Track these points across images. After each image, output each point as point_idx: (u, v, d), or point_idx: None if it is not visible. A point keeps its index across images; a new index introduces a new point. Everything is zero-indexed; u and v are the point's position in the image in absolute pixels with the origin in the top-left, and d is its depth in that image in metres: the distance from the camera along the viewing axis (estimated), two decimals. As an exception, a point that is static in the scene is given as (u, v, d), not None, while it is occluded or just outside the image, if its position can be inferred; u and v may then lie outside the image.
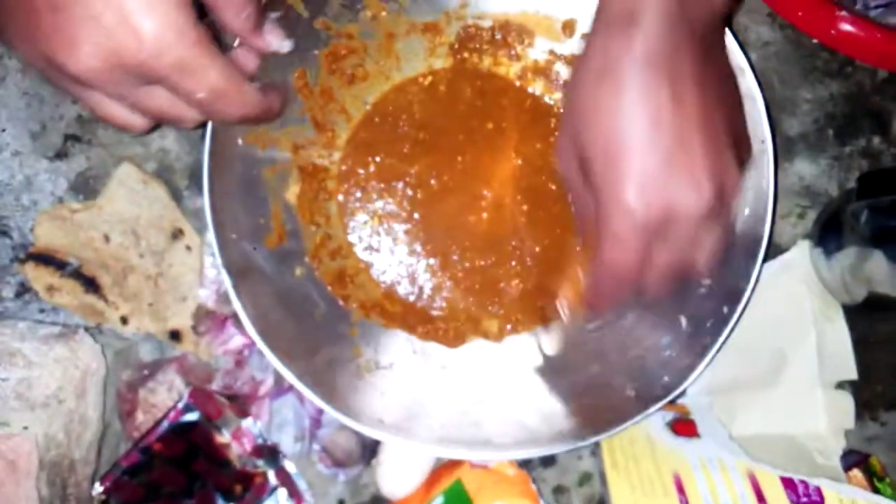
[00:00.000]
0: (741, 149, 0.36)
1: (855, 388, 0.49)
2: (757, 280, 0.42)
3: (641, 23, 0.32)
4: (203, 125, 0.37)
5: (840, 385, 0.49)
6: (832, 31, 0.42)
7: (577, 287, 0.45)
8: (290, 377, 0.41)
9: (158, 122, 0.36)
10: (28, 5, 0.30)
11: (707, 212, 0.33)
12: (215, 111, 0.34)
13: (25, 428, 0.36)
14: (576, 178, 0.36)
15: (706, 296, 0.43)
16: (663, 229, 0.34)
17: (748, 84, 0.41)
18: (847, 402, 0.48)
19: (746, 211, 0.42)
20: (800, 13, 0.43)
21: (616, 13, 0.33)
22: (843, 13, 0.42)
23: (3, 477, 0.34)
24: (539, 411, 0.44)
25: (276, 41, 0.38)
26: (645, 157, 0.32)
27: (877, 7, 0.47)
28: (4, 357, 0.38)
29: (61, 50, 0.30)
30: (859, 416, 0.49)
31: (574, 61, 0.33)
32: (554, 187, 0.48)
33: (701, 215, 0.33)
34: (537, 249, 0.47)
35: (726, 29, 0.38)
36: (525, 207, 0.47)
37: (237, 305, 0.40)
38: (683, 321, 0.43)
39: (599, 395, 0.43)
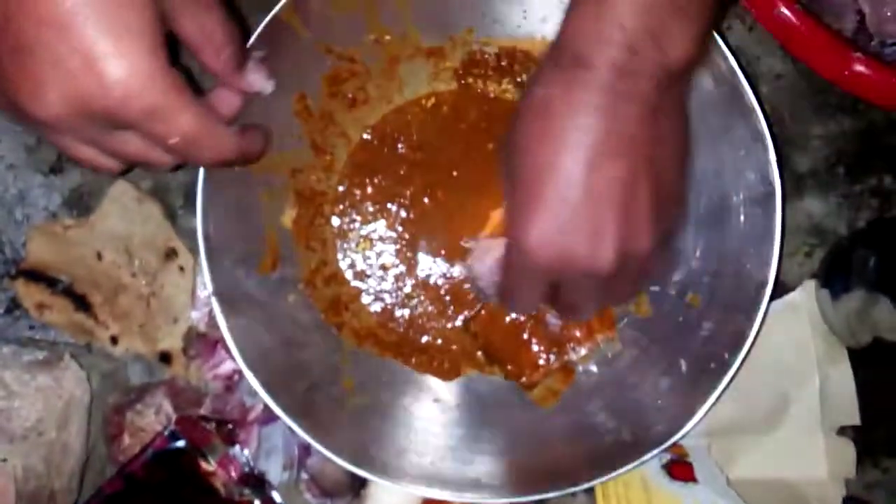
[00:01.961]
0: (669, 213, 0.35)
1: (857, 433, 0.48)
2: (761, 325, 0.41)
3: (587, 71, 0.31)
4: (180, 167, 0.36)
5: (842, 430, 0.48)
6: (845, 72, 0.41)
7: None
8: (277, 410, 0.40)
9: (132, 165, 0.35)
10: None
11: (606, 272, 0.34)
12: (189, 156, 0.33)
13: (4, 460, 0.36)
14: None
15: (708, 339, 0.42)
16: (559, 276, 0.35)
17: (757, 125, 0.40)
18: (849, 450, 0.47)
19: (751, 254, 0.41)
20: (813, 53, 0.42)
21: (568, 53, 0.32)
22: (858, 54, 0.41)
23: (-23, 515, 0.33)
24: (532, 452, 0.43)
25: (259, 81, 0.36)
26: (554, 206, 0.33)
27: (893, 45, 0.45)
28: (-15, 387, 0.37)
29: (25, 94, 0.29)
30: (860, 461, 0.48)
31: (527, 82, 0.33)
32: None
33: (599, 274, 0.34)
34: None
35: (689, 82, 0.36)
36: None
37: (227, 336, 0.39)
38: (683, 365, 0.42)
39: (595, 438, 0.42)
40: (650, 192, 0.33)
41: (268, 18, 0.40)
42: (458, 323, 0.47)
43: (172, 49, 0.31)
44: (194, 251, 0.47)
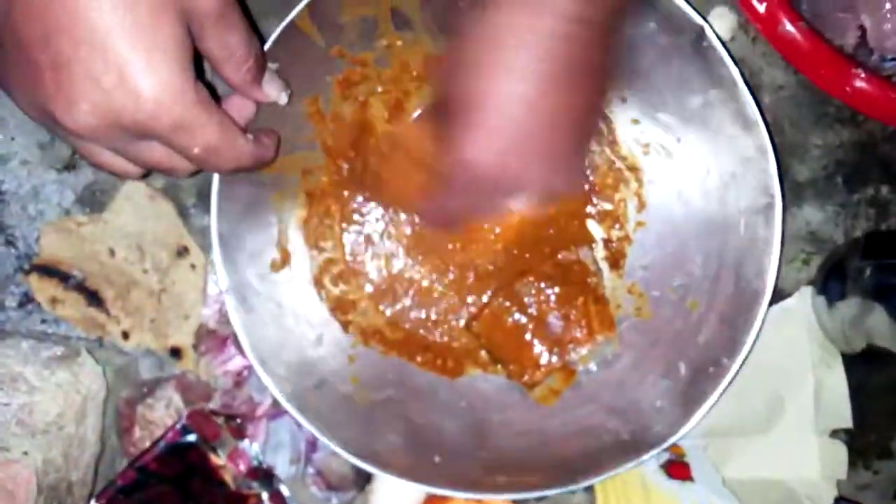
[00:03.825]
0: (591, 129, 0.40)
1: (849, 436, 0.50)
2: (759, 331, 0.42)
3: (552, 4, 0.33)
4: (196, 173, 0.37)
5: (835, 433, 0.49)
6: (847, 88, 0.42)
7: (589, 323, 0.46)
8: (286, 406, 0.41)
9: (151, 171, 0.36)
10: (30, 60, 0.30)
11: (536, 187, 0.37)
12: (209, 164, 0.35)
13: (25, 453, 0.37)
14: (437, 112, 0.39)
15: (707, 344, 0.43)
16: (487, 186, 0.37)
17: (760, 137, 0.41)
18: (841, 452, 0.48)
19: (751, 262, 0.42)
20: (815, 68, 0.43)
21: None
22: (859, 71, 0.42)
23: (1, 507, 0.34)
24: (534, 450, 0.44)
25: (275, 92, 0.38)
26: (503, 126, 0.35)
27: (892, 60, 0.46)
28: (7, 381, 0.38)
29: (60, 106, 0.30)
30: (852, 463, 0.49)
31: (482, 3, 0.35)
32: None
33: (529, 188, 0.37)
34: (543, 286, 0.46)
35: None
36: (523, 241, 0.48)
37: (239, 332, 0.40)
38: (682, 368, 0.43)
39: (595, 438, 0.43)
40: (583, 115, 0.36)
41: (283, 24, 0.40)
42: (461, 323, 0.48)
43: (197, 63, 0.32)
44: (205, 249, 0.47)
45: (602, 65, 0.36)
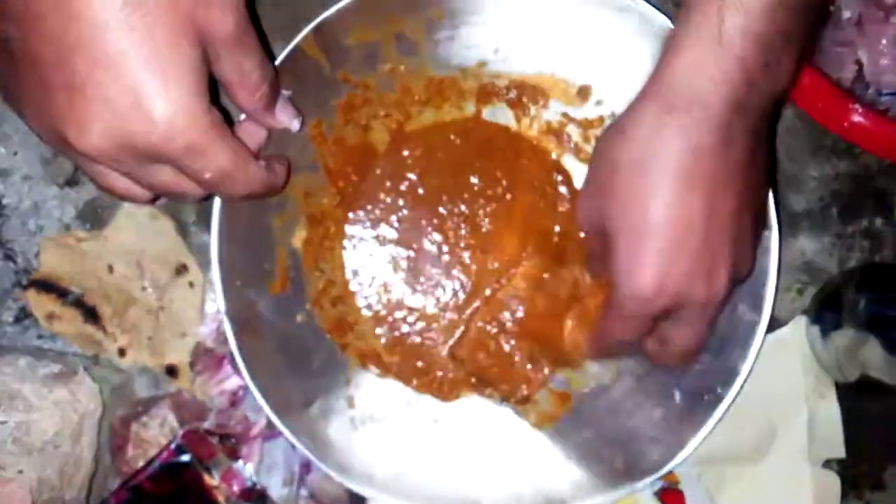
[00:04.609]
0: (759, 230, 0.38)
1: (842, 466, 0.50)
2: (754, 361, 0.42)
3: (705, 112, 0.32)
4: (206, 198, 0.37)
5: (828, 463, 0.49)
6: (844, 122, 0.43)
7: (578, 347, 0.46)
8: (281, 427, 0.41)
9: (160, 195, 0.36)
10: (43, 81, 0.30)
11: (719, 301, 0.36)
12: (221, 189, 0.35)
13: (20, 472, 0.37)
14: (593, 237, 0.38)
15: (702, 372, 0.43)
16: (670, 313, 0.36)
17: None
18: (834, 482, 0.48)
19: (747, 292, 0.42)
20: (814, 103, 0.44)
21: (682, 95, 0.32)
22: (856, 105, 0.43)
23: (-5, 527, 0.34)
24: (528, 476, 0.44)
25: (288, 119, 0.38)
26: (670, 251, 0.34)
27: (888, 94, 0.47)
28: (4, 400, 0.38)
29: (73, 128, 0.30)
30: (844, 494, 0.49)
31: (620, 123, 0.34)
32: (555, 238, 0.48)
33: (713, 304, 0.36)
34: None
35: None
36: (525, 266, 0.48)
37: (236, 354, 0.40)
38: (677, 395, 0.44)
39: (590, 465, 0.43)
40: (753, 216, 0.35)
41: (289, 48, 0.41)
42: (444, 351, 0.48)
43: (211, 88, 0.32)
44: (204, 267, 0.48)
45: (762, 158, 0.35)
